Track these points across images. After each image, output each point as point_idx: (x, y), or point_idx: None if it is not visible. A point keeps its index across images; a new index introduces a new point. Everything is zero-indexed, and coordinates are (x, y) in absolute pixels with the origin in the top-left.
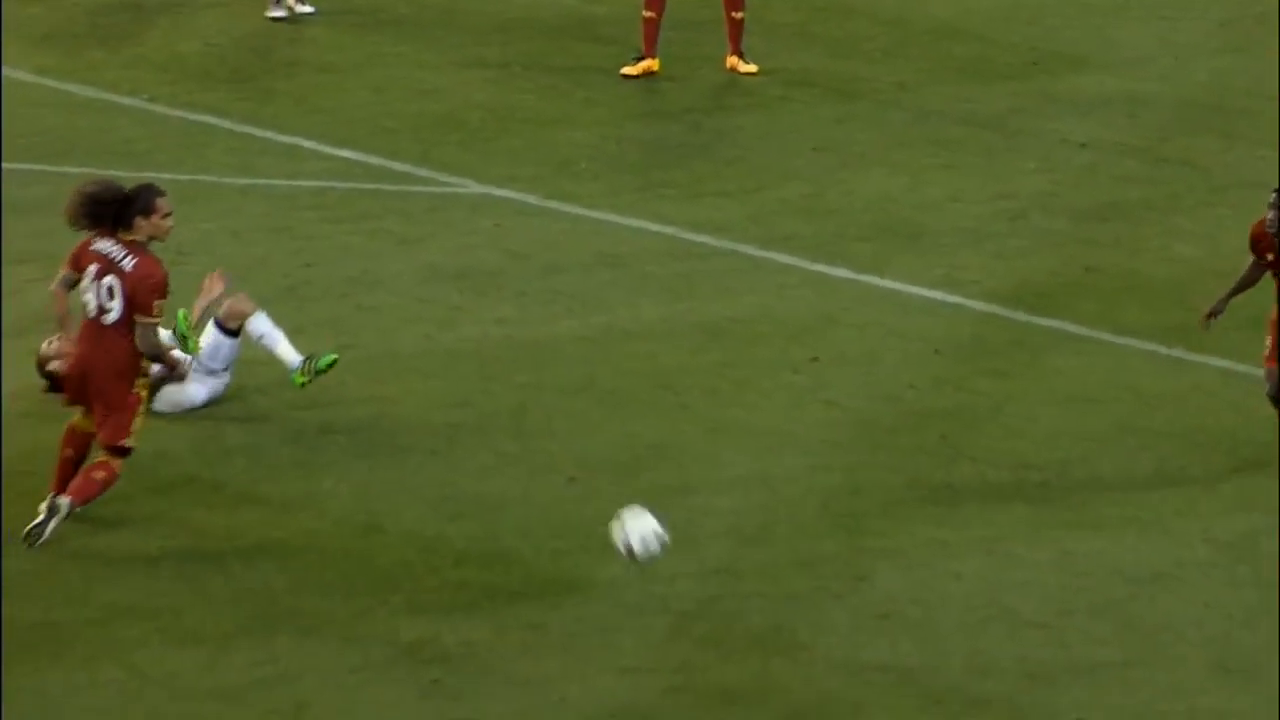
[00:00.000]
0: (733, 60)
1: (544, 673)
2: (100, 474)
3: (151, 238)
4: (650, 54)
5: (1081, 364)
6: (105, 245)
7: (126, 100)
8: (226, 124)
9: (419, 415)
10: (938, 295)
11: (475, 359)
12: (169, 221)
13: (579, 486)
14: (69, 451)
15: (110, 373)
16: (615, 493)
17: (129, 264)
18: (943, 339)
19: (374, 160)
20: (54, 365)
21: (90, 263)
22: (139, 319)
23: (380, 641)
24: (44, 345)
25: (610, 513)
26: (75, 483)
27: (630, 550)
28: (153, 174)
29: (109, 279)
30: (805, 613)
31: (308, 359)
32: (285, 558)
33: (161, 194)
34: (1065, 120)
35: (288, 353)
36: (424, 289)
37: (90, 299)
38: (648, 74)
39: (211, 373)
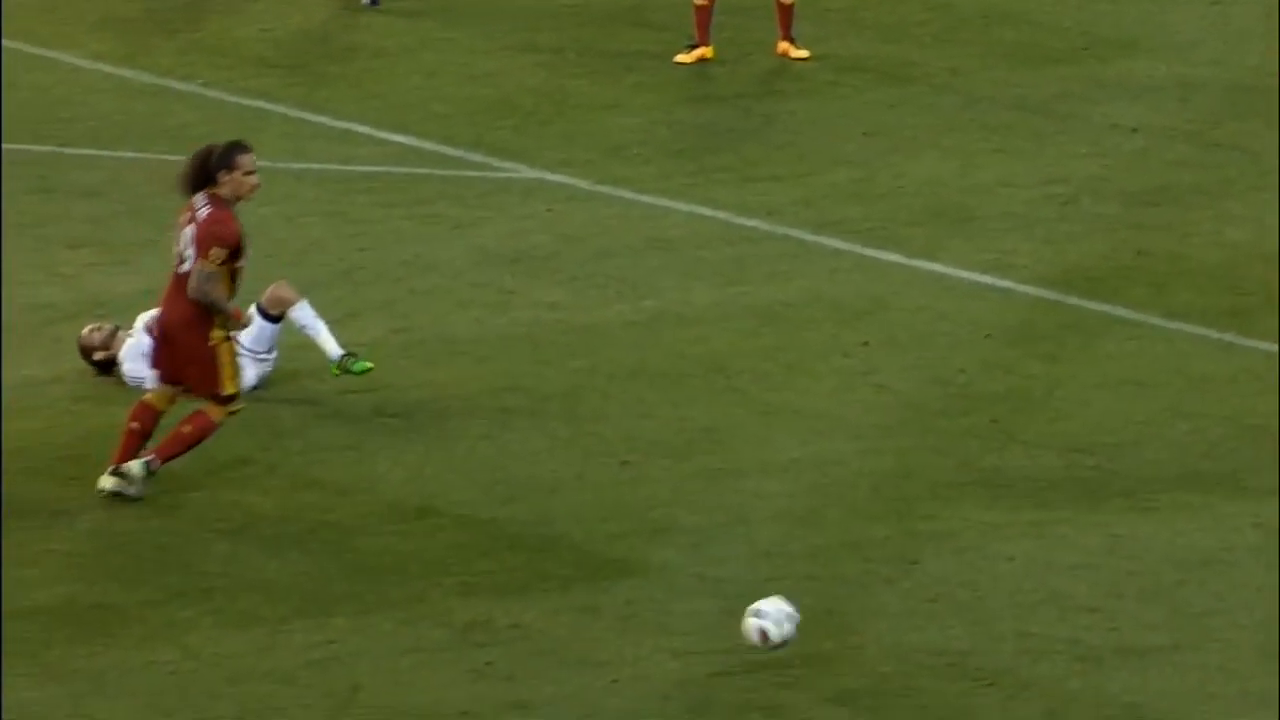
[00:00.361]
0: (784, 45)
1: (596, 655)
2: (188, 428)
3: (236, 195)
4: (704, 41)
5: (1132, 348)
6: (198, 198)
7: (182, 85)
8: (280, 109)
9: (471, 399)
10: (988, 280)
11: (528, 343)
12: (251, 179)
13: (631, 470)
14: (135, 425)
15: (180, 322)
16: (667, 476)
17: (204, 213)
18: (993, 323)
19: (427, 145)
20: (99, 355)
21: (184, 213)
22: (196, 263)
23: (434, 624)
24: (85, 331)
25: (662, 496)
26: (163, 441)
27: (764, 631)
28: None
29: (189, 229)
30: (856, 596)
31: (346, 355)
32: (339, 541)
33: (245, 150)
34: (1116, 105)
35: (328, 344)
36: (477, 273)
37: (177, 249)
38: (701, 61)
39: (257, 357)
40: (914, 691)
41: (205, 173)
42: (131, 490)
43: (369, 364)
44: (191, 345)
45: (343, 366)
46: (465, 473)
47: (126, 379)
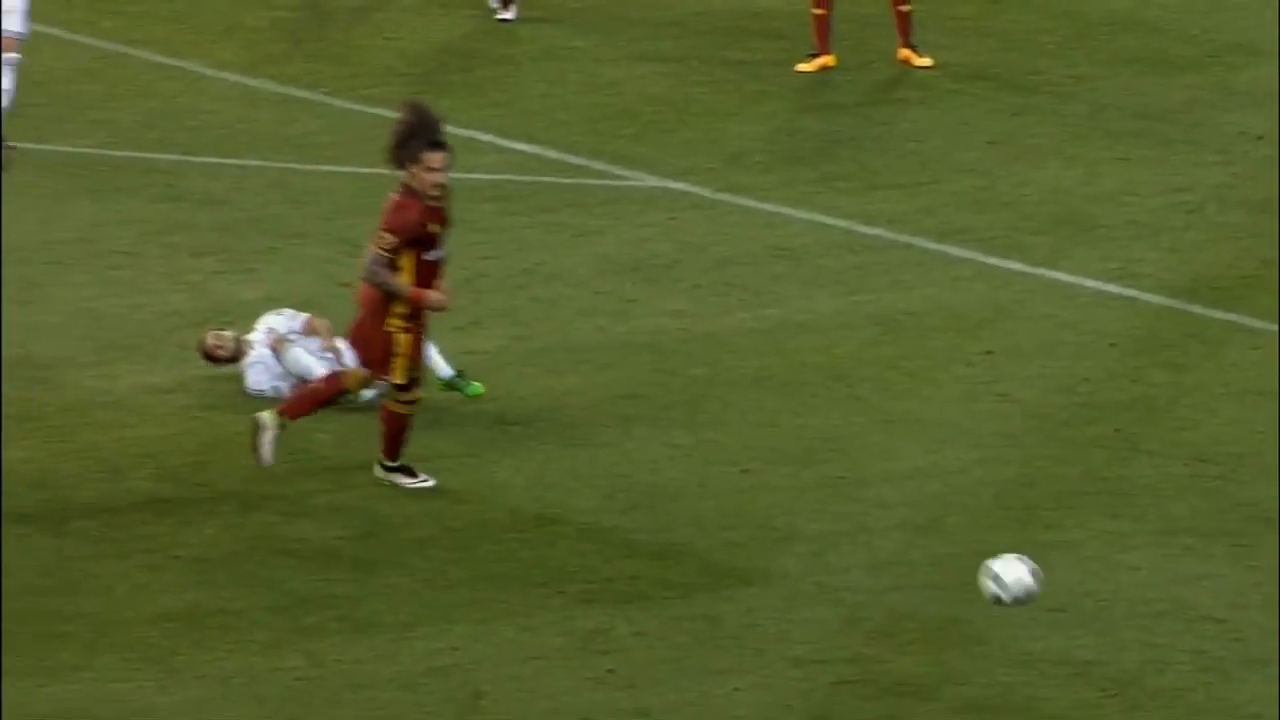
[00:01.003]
0: (905, 53)
1: (717, 664)
2: (380, 425)
3: (421, 189)
4: (825, 50)
5: (1256, 357)
6: (401, 176)
7: (306, 94)
8: None
9: (593, 407)
10: (1112, 288)
11: (649, 351)
12: (432, 177)
13: (753, 478)
14: (321, 385)
15: (367, 301)
16: (789, 484)
17: (393, 198)
18: (1117, 332)
19: (550, 153)
20: (223, 366)
21: None
22: (371, 245)
23: (555, 631)
24: (210, 341)
25: (783, 504)
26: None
27: (1011, 585)
28: (333, 167)
29: None
30: (979, 605)
31: (458, 374)
32: (461, 548)
33: (435, 147)
34: (1242, 112)
35: (438, 363)
36: (599, 281)
37: None
38: (823, 69)
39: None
40: (1038, 701)
41: (398, 158)
42: (266, 450)
43: (480, 387)
44: (370, 327)
45: (452, 385)
46: (587, 480)
47: (249, 390)
